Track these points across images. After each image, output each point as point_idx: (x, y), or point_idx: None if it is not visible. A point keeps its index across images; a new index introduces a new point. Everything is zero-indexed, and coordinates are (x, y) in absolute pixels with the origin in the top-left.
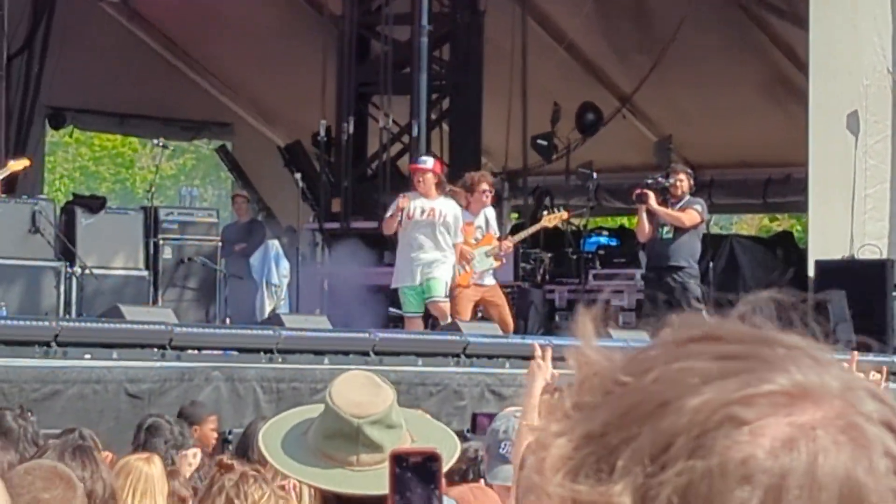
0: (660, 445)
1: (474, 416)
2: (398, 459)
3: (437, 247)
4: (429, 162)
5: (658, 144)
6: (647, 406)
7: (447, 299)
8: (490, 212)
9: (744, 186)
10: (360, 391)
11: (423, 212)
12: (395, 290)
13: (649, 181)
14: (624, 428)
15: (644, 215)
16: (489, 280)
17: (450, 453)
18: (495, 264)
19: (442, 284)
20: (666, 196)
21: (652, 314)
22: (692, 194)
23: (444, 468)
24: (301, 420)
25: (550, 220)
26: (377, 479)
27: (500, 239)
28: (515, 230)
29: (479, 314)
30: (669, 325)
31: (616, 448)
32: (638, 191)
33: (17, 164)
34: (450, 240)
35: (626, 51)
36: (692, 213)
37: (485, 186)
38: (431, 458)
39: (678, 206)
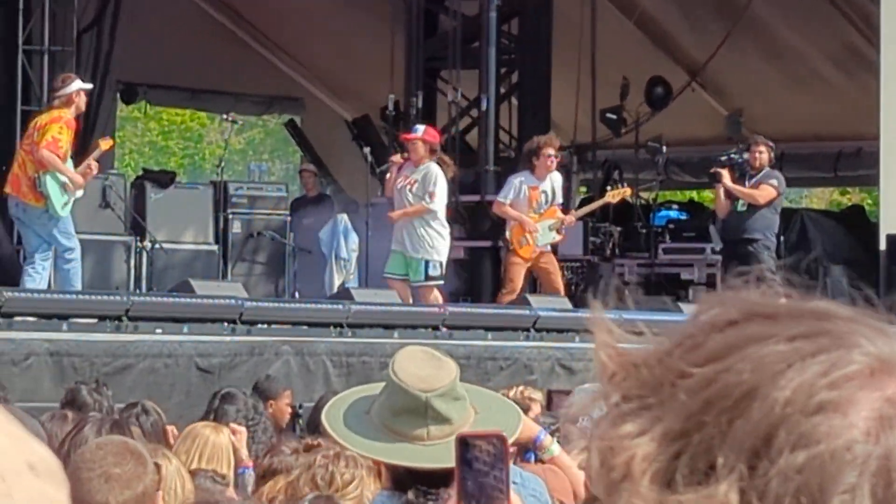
0: (759, 438)
1: (549, 394)
2: (464, 443)
3: (417, 219)
4: (419, 130)
5: (729, 118)
6: (732, 397)
7: (429, 283)
8: (557, 178)
9: (814, 160)
10: (423, 366)
11: (402, 179)
12: (466, 264)
13: (723, 158)
14: (711, 423)
15: (721, 192)
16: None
17: (513, 425)
18: (557, 238)
19: (421, 266)
20: (744, 169)
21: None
22: (772, 167)
23: (511, 440)
24: (358, 398)
25: (614, 195)
26: (447, 453)
27: (563, 212)
28: (583, 204)
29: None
30: (705, 304)
31: (710, 445)
32: (712, 169)
33: (105, 144)
34: (431, 207)
35: (697, 20)
36: (767, 189)
37: (549, 151)
38: (498, 440)
39: (756, 178)
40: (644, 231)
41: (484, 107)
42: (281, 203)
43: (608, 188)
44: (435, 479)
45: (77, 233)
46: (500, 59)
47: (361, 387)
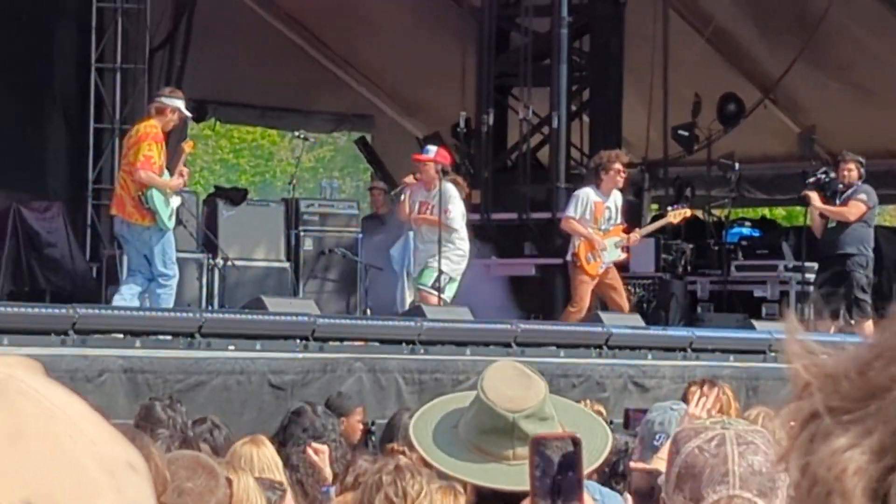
0: None
1: (626, 412)
2: (538, 444)
3: (437, 239)
4: (430, 151)
5: (802, 136)
6: None
7: (434, 291)
8: (619, 197)
9: (887, 177)
10: (512, 384)
11: (419, 206)
12: (537, 281)
13: (811, 180)
14: None
15: (815, 213)
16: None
17: (602, 443)
18: (622, 256)
19: (433, 274)
20: (834, 187)
21: (823, 303)
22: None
23: (600, 459)
24: (448, 411)
25: (675, 216)
26: None
27: (626, 231)
28: (654, 221)
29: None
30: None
31: None
32: (801, 193)
33: (188, 147)
34: (450, 224)
35: (770, 37)
36: (856, 205)
37: (618, 166)
38: (572, 443)
39: (845, 195)
40: (716, 248)
41: (555, 124)
42: (352, 220)
43: (669, 207)
44: (520, 499)
45: None
46: (571, 76)
47: (450, 396)
